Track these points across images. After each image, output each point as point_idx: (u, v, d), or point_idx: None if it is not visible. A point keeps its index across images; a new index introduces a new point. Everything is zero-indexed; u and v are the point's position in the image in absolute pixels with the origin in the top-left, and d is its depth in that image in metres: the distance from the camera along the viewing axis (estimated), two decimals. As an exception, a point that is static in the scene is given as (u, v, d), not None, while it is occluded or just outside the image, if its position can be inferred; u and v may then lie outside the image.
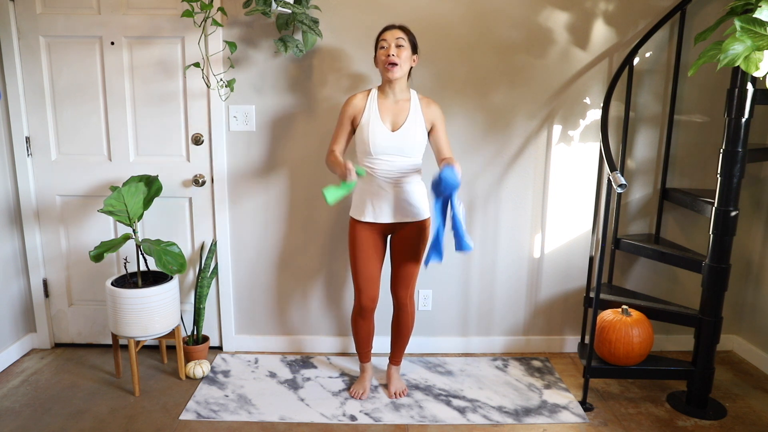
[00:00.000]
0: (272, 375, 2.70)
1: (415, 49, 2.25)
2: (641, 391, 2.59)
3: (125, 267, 2.70)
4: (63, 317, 2.92)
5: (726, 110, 2.22)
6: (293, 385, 2.61)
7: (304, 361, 2.85)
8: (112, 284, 2.48)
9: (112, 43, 2.62)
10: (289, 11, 2.35)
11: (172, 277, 2.57)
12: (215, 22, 2.43)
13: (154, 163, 2.74)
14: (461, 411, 2.41)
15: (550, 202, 2.81)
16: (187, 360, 2.72)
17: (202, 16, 2.40)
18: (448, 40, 2.63)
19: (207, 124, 2.70)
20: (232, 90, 2.60)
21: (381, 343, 2.80)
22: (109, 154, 2.75)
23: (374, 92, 2.30)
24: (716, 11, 2.60)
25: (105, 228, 2.82)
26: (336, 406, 2.44)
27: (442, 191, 2.09)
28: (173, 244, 2.51)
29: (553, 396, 2.53)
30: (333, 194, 2.08)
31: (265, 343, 2.95)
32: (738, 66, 1.96)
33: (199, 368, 2.65)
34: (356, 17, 2.59)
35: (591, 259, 2.67)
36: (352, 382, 2.64)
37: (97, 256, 2.39)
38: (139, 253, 2.51)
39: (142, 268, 2.66)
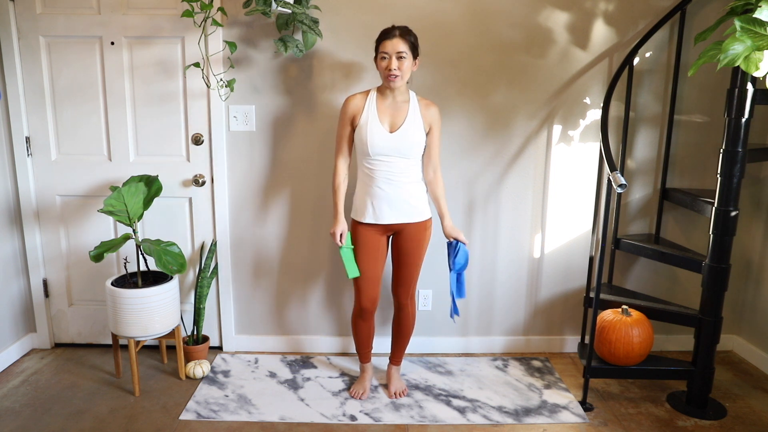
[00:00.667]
0: (272, 375, 2.70)
1: (416, 53, 2.23)
2: (641, 391, 2.59)
3: (125, 267, 2.70)
4: (63, 317, 2.92)
5: (726, 110, 2.22)
6: (293, 385, 2.61)
7: (304, 361, 2.85)
8: (112, 284, 2.48)
9: (112, 43, 2.62)
10: (289, 11, 2.35)
11: (172, 277, 2.57)
12: (215, 22, 2.43)
13: (154, 163, 2.74)
14: (461, 411, 2.41)
15: (550, 202, 2.81)
16: (187, 360, 2.72)
17: (202, 16, 2.40)
18: (448, 40, 2.63)
19: (207, 124, 2.70)
20: (232, 90, 2.60)
21: (381, 343, 2.80)
22: (109, 154, 2.75)
23: (373, 93, 2.30)
24: (716, 11, 2.60)
25: (105, 228, 2.82)
26: (336, 406, 2.44)
27: (454, 267, 2.37)
28: (173, 244, 2.50)
29: (553, 396, 2.53)
30: (350, 267, 2.35)
31: (265, 343, 2.95)
32: (738, 66, 1.95)
33: (199, 368, 2.65)
34: (356, 17, 2.59)
35: (591, 259, 2.67)
36: (352, 382, 2.64)
37: (97, 256, 2.39)
38: (139, 253, 2.51)
39: (142, 268, 2.66)
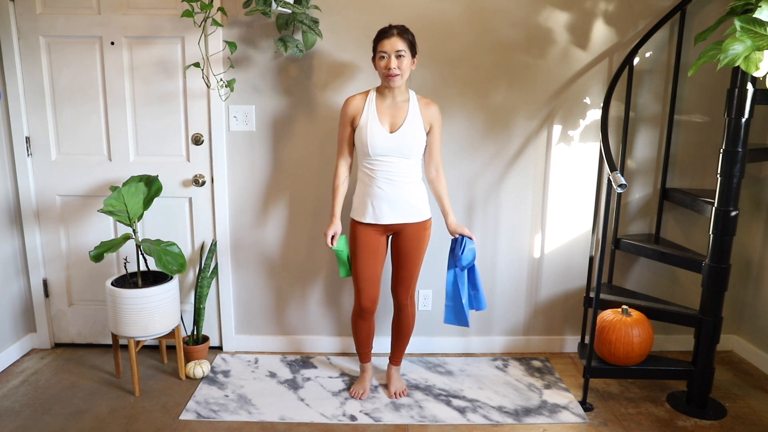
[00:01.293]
0: (272, 375, 2.70)
1: (414, 52, 2.23)
2: (641, 391, 2.59)
3: (125, 267, 2.70)
4: (63, 317, 2.92)
5: (726, 110, 2.22)
6: (293, 385, 2.61)
7: (304, 361, 2.85)
8: (112, 284, 2.48)
9: (112, 43, 2.62)
10: (289, 11, 2.35)
11: (172, 277, 2.57)
12: (215, 22, 2.43)
13: (154, 163, 2.74)
14: (461, 411, 2.41)
15: (550, 202, 2.81)
16: (187, 360, 2.72)
17: (202, 16, 2.40)
18: (448, 40, 2.63)
19: (207, 124, 2.70)
20: (232, 90, 2.60)
21: (381, 343, 2.80)
22: (109, 154, 2.75)
23: (373, 93, 2.30)
24: (716, 11, 2.60)
25: (105, 228, 2.82)
26: (336, 406, 2.44)
27: (459, 263, 2.34)
28: (173, 244, 2.50)
29: (553, 396, 2.53)
30: (341, 268, 2.45)
31: (265, 343, 2.95)
32: (738, 66, 1.95)
33: (199, 368, 2.65)
34: (356, 17, 2.59)
35: (591, 259, 2.67)
36: (352, 382, 2.64)
37: (97, 256, 2.39)
38: (139, 253, 2.51)
39: (142, 268, 2.66)
